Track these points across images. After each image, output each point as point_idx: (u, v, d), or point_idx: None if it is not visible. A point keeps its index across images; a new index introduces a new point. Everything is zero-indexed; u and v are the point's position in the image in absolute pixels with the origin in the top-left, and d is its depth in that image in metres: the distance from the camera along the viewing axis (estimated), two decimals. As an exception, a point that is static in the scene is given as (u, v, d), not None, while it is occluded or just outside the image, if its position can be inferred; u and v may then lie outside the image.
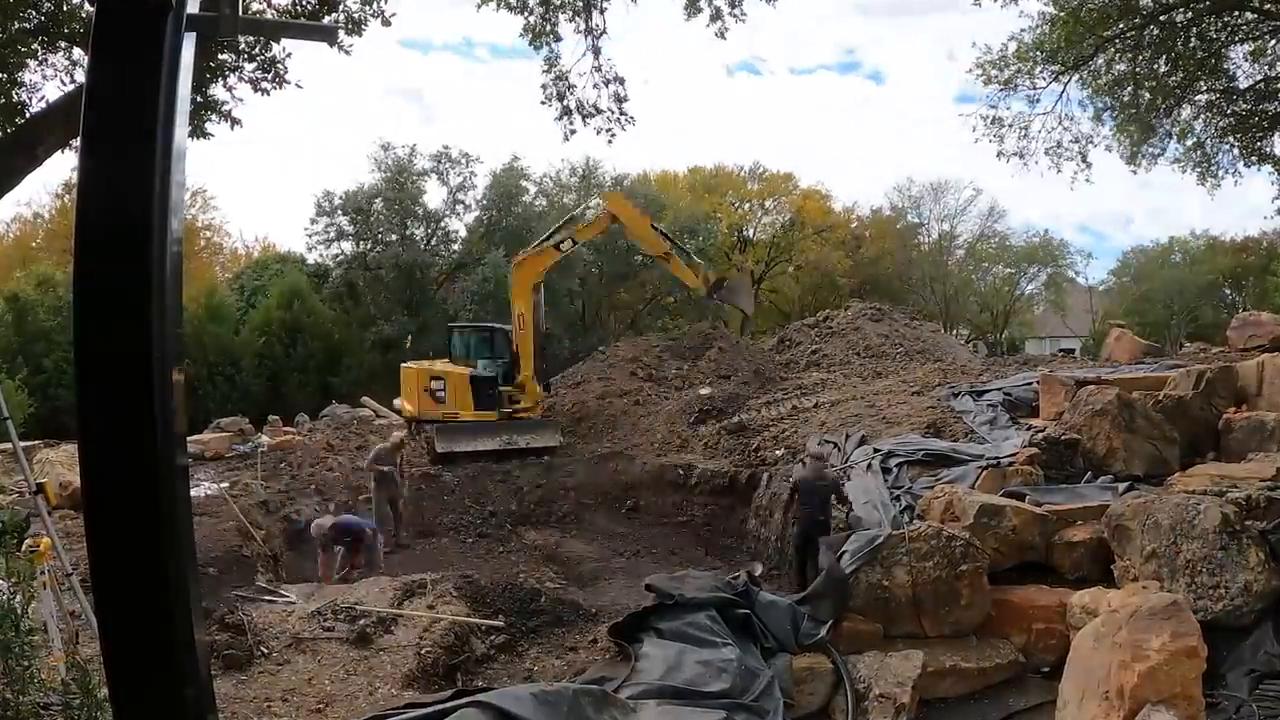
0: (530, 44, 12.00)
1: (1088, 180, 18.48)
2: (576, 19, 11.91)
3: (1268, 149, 17.61)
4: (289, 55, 9.87)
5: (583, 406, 17.95)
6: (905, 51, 76.15)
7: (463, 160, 34.95)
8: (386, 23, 10.21)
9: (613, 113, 12.41)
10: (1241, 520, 5.96)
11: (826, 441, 11.57)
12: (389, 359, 28.14)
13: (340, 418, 20.25)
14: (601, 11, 11.81)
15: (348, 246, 34.58)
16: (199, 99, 9.19)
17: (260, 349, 29.18)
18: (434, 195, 36.03)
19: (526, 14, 11.74)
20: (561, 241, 17.06)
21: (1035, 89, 17.54)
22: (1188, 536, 5.98)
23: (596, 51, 12.00)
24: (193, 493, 9.70)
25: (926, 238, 48.44)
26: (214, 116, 9.77)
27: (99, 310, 1.13)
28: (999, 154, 18.45)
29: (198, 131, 9.58)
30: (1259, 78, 17.08)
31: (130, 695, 1.18)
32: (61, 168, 42.94)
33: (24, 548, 5.11)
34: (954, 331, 42.66)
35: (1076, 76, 17.21)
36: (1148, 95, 16.86)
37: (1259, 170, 18.21)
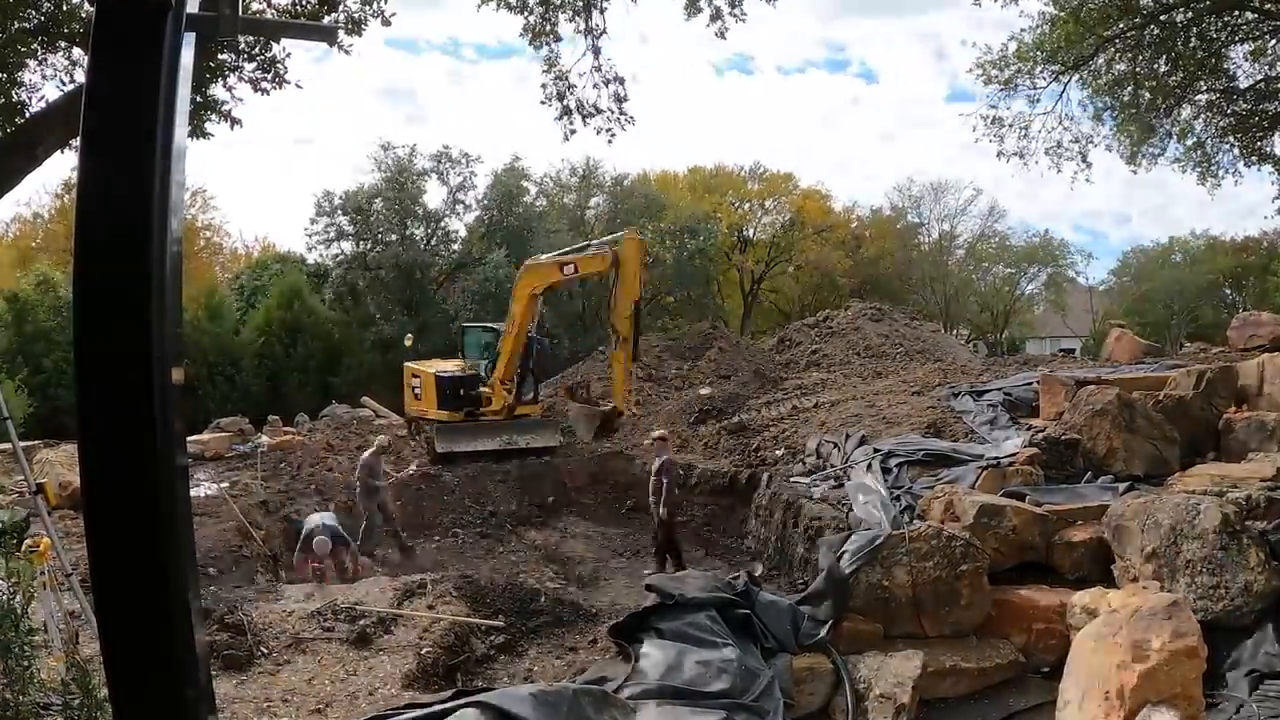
0: (530, 44, 12.03)
1: (1088, 180, 18.53)
2: (576, 19, 11.92)
3: (1268, 149, 17.63)
4: (289, 55, 9.89)
5: (583, 406, 17.92)
6: (893, 50, 76.28)
7: (463, 160, 34.94)
8: (386, 22, 10.24)
9: (613, 113, 12.42)
10: (1242, 520, 5.95)
11: (827, 441, 11.56)
12: (389, 359, 28.13)
13: (340, 418, 20.26)
14: (601, 11, 11.82)
15: (348, 246, 34.57)
16: (199, 99, 9.19)
17: (260, 349, 29.18)
18: (434, 195, 36.03)
19: (526, 14, 11.75)
20: (565, 265, 17.05)
21: (1035, 89, 17.57)
22: (1188, 536, 5.97)
23: (596, 51, 12.02)
24: (193, 493, 9.72)
25: (926, 238, 48.46)
26: (214, 116, 9.78)
27: (99, 310, 1.13)
28: (999, 154, 18.50)
29: (198, 131, 9.58)
30: (1259, 77, 17.11)
31: (130, 695, 1.18)
32: (61, 168, 43.01)
33: (24, 548, 5.11)
34: (954, 331, 42.67)
35: (1076, 76, 17.22)
36: (1148, 95, 16.87)
37: (1259, 170, 18.24)
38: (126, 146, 1.13)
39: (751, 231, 44.72)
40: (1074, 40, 15.97)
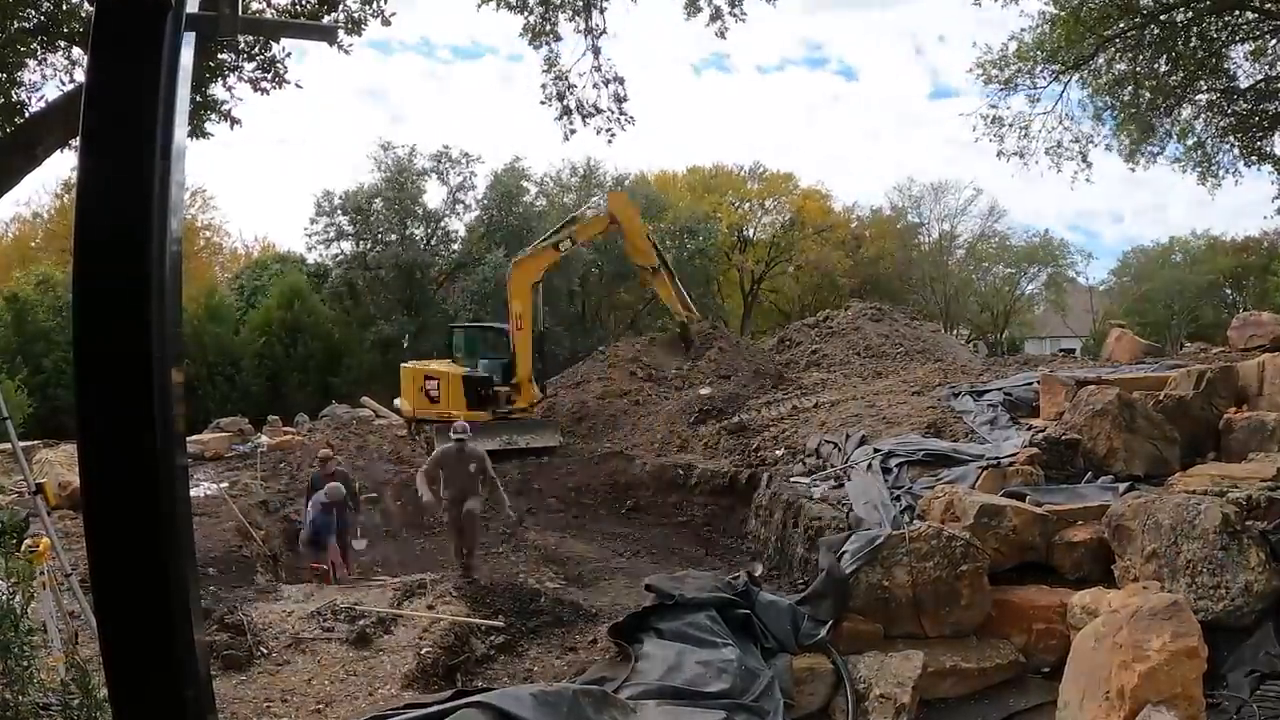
0: (530, 43, 12.01)
1: (1088, 180, 18.52)
2: (576, 18, 11.91)
3: (1268, 149, 17.63)
4: (289, 55, 9.88)
5: (583, 406, 17.94)
6: (871, 46, 76.26)
7: (463, 160, 34.97)
8: (386, 22, 10.23)
9: (613, 113, 12.42)
10: (1242, 520, 5.95)
11: (827, 441, 11.56)
12: (389, 359, 28.18)
13: (340, 418, 20.27)
14: (601, 11, 11.82)
15: (347, 246, 34.61)
16: (199, 99, 9.19)
17: (260, 349, 29.19)
18: (434, 195, 36.05)
19: (526, 14, 11.75)
20: (560, 241, 17.00)
21: (1035, 88, 17.58)
22: (1188, 536, 5.97)
23: (596, 51, 12.01)
24: (193, 493, 9.72)
25: (926, 238, 48.45)
26: (214, 116, 9.78)
27: (98, 310, 1.13)
28: (999, 153, 18.51)
29: (198, 131, 9.57)
30: (1259, 77, 17.11)
31: (130, 695, 1.18)
32: (61, 167, 43.00)
33: (23, 548, 5.11)
34: (954, 331, 42.65)
35: (1076, 76, 17.22)
36: (1148, 95, 16.87)
37: (1259, 170, 18.23)
38: (126, 146, 1.13)
39: (751, 231, 44.72)
40: (1074, 40, 15.97)
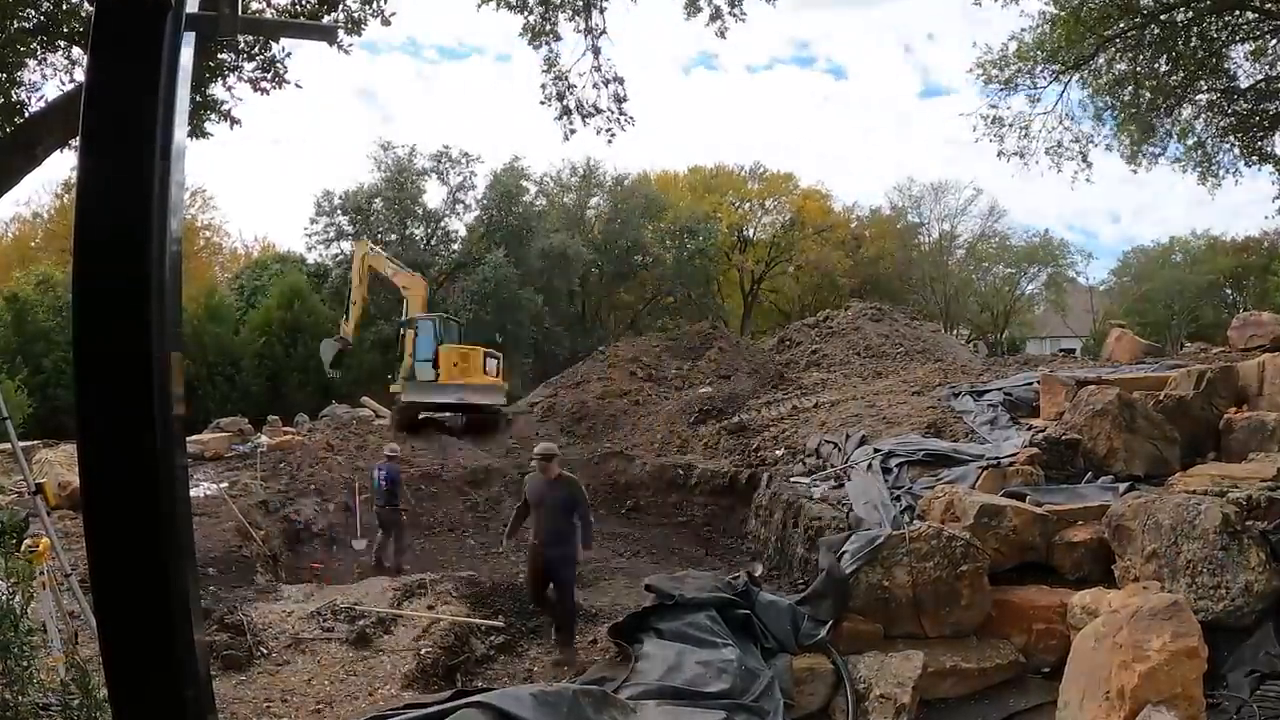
0: (530, 43, 12.01)
1: (1088, 180, 18.52)
2: (576, 18, 11.91)
3: (1268, 148, 17.62)
4: (288, 55, 9.88)
5: (583, 406, 17.96)
6: (859, 44, 76.16)
7: (463, 160, 34.96)
8: (386, 22, 10.24)
9: (612, 112, 12.42)
10: (1242, 520, 5.95)
11: (827, 441, 11.56)
12: (389, 359, 28.12)
13: (340, 418, 20.26)
14: (601, 11, 11.82)
15: (347, 246, 34.57)
16: (199, 99, 9.18)
17: (260, 349, 29.17)
18: (434, 195, 36.06)
19: (526, 13, 11.75)
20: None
21: (1035, 88, 17.57)
22: (1188, 537, 5.97)
23: (596, 51, 12.01)
24: (193, 493, 9.71)
25: (927, 238, 48.45)
26: (214, 116, 9.77)
27: (98, 310, 1.13)
28: (999, 153, 18.50)
29: (197, 131, 9.57)
30: (1260, 77, 17.09)
31: (130, 696, 1.18)
32: (61, 167, 43.03)
33: (23, 548, 5.10)
34: (954, 331, 42.67)
35: (1077, 76, 17.22)
36: (1148, 95, 16.86)
37: (1259, 170, 18.23)
38: (126, 146, 1.13)
39: (751, 231, 44.74)
40: (1074, 40, 15.97)
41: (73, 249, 1.11)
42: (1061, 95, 17.62)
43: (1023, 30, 16.99)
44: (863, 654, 6.19)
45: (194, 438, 16.05)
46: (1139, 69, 16.74)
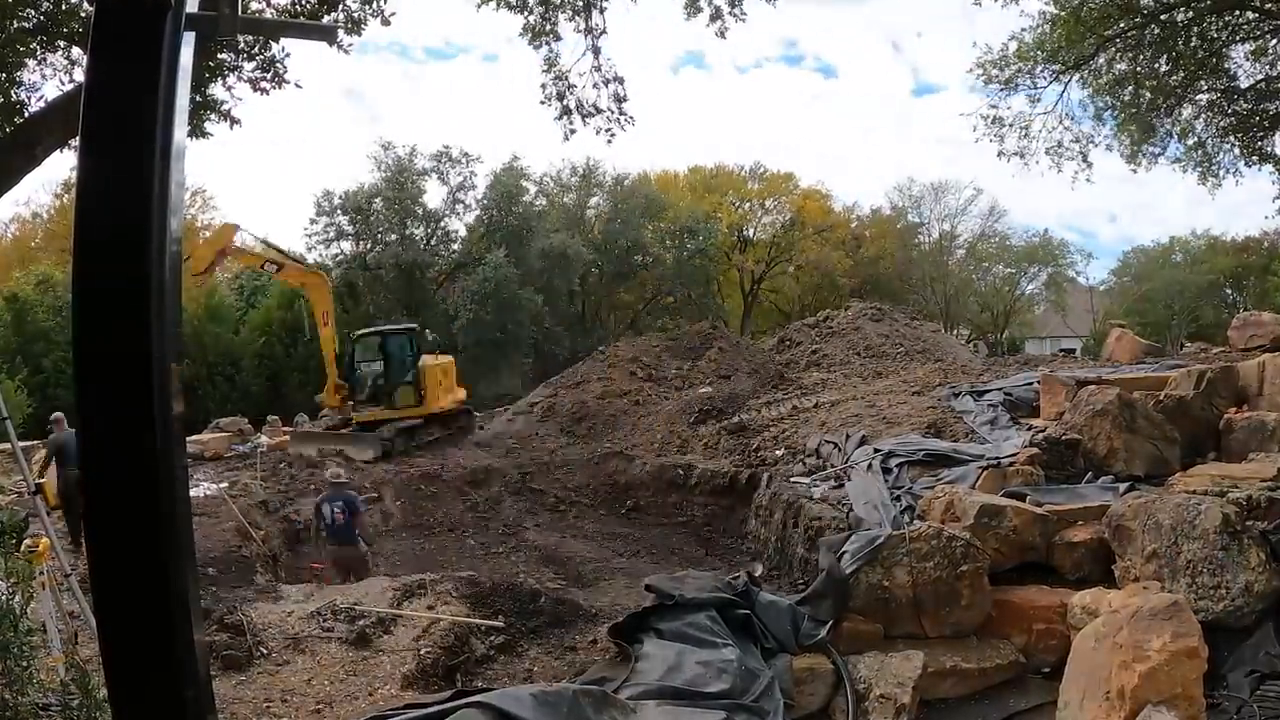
0: (530, 43, 12.01)
1: (1089, 180, 18.52)
2: (576, 18, 11.91)
3: (1268, 148, 17.62)
4: (288, 55, 9.87)
5: (583, 406, 17.96)
6: (847, 42, 76.01)
7: (463, 160, 34.97)
8: (386, 22, 10.22)
9: (613, 112, 12.42)
10: (1242, 520, 5.95)
11: (827, 441, 11.56)
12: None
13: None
14: (601, 11, 11.82)
15: (348, 246, 34.65)
16: (199, 99, 9.18)
17: (260, 349, 29.18)
18: (434, 195, 36.06)
19: (526, 13, 11.75)
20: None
21: (1036, 89, 17.58)
22: (1188, 537, 5.97)
23: (596, 51, 12.01)
24: (193, 493, 9.72)
25: (927, 237, 48.46)
26: (214, 116, 9.77)
27: (98, 310, 1.13)
28: (1000, 153, 18.51)
29: (197, 131, 9.57)
30: (1260, 77, 17.09)
31: (129, 696, 1.18)
32: (61, 167, 43.00)
33: (23, 548, 5.10)
34: (954, 331, 42.67)
35: (1077, 76, 17.22)
36: (1148, 95, 16.86)
37: (1260, 170, 18.23)
38: (126, 146, 1.13)
39: (751, 231, 44.75)
40: (1074, 40, 15.97)
41: (73, 249, 1.11)
42: (1062, 95, 17.64)
43: (1023, 30, 17.01)
44: (863, 654, 6.19)
45: (194, 438, 16.06)
46: (1139, 69, 16.75)
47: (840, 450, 10.81)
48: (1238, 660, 5.61)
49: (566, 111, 12.45)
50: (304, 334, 24.66)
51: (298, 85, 10.22)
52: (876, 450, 9.67)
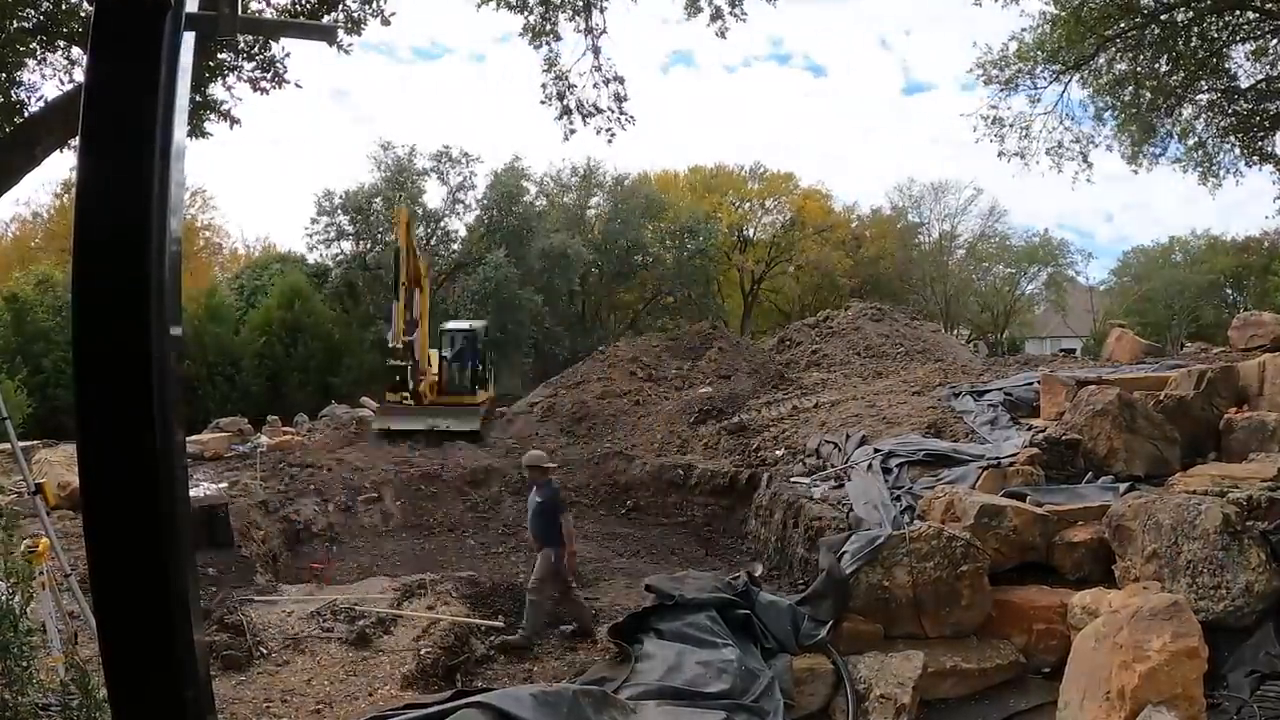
0: (530, 43, 12.02)
1: (1089, 180, 18.53)
2: (576, 18, 11.92)
3: (1269, 148, 17.63)
4: (288, 55, 9.88)
5: (583, 406, 17.95)
6: (835, 41, 75.76)
7: (463, 160, 34.98)
8: (386, 22, 10.25)
9: (613, 112, 12.43)
10: (1243, 520, 5.95)
11: (827, 442, 11.55)
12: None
13: (340, 418, 20.21)
14: (601, 11, 11.83)
15: (348, 246, 34.64)
16: (198, 99, 9.19)
17: (260, 349, 29.14)
18: (434, 195, 36.07)
19: (526, 13, 11.76)
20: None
21: (1036, 89, 17.59)
22: (1189, 537, 5.97)
23: (596, 51, 12.02)
24: (192, 493, 9.71)
25: (927, 237, 48.46)
26: (213, 116, 9.78)
27: (98, 310, 1.12)
28: (1000, 154, 18.52)
29: (197, 131, 9.58)
30: (1260, 77, 17.09)
31: (129, 696, 1.18)
32: (61, 167, 42.99)
33: (23, 548, 5.10)
34: (954, 331, 42.67)
35: (1077, 76, 17.22)
36: (1149, 95, 16.87)
37: (1260, 170, 18.23)
38: (126, 146, 1.13)
39: (751, 231, 44.74)
40: (1074, 40, 15.97)
41: (73, 249, 1.11)
42: (1062, 95, 17.65)
43: (1023, 30, 17.02)
44: (863, 654, 6.19)
45: (194, 438, 16.05)
46: (1139, 69, 16.75)
47: (840, 450, 10.81)
48: (1238, 660, 5.61)
49: (567, 111, 12.47)
50: (305, 334, 24.76)
51: (298, 85, 10.25)
52: (876, 450, 9.67)
